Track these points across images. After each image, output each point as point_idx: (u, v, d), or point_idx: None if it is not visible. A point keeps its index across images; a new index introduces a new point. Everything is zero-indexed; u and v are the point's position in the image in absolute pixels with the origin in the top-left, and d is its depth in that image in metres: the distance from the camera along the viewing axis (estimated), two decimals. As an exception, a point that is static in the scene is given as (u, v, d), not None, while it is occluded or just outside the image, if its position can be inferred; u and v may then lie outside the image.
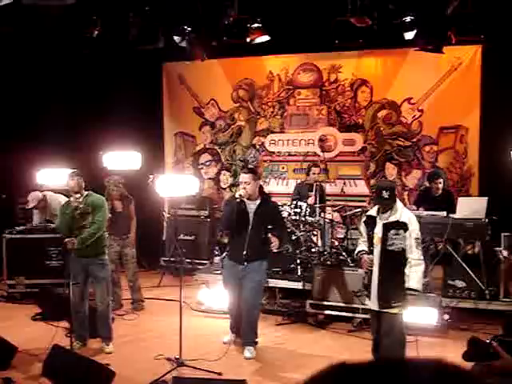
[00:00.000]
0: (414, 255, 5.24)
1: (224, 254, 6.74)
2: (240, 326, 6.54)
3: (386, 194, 5.26)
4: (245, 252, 6.17)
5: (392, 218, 5.31)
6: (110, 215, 7.55)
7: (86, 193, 6.36)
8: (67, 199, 6.45)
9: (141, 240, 9.13)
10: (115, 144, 9.12)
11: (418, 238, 5.30)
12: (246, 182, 6.16)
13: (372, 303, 5.45)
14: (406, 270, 5.25)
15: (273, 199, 8.33)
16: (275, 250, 6.41)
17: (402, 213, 5.34)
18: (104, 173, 8.50)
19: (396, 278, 5.27)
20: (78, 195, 6.23)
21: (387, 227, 5.29)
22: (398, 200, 5.44)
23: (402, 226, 5.26)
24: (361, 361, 0.65)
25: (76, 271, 6.29)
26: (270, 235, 6.27)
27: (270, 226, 6.32)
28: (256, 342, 6.44)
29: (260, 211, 6.22)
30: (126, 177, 8.30)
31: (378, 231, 5.36)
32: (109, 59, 9.98)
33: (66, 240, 6.15)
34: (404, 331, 5.47)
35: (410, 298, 5.31)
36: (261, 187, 6.53)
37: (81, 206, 6.22)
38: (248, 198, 6.21)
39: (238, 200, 6.13)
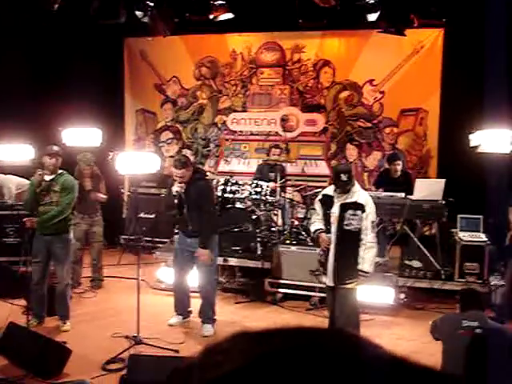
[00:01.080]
0: (369, 238, 5.36)
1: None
2: (183, 306, 6.64)
3: (344, 177, 5.33)
4: (190, 227, 6.31)
5: (349, 199, 5.38)
6: (86, 189, 7.52)
7: (60, 171, 6.26)
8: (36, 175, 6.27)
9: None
10: (75, 120, 8.96)
11: (373, 221, 5.41)
12: (181, 177, 6.16)
13: (328, 279, 5.54)
14: (361, 252, 5.36)
15: (235, 178, 8.45)
16: (201, 261, 6.32)
17: (360, 194, 5.43)
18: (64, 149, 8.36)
19: (351, 256, 5.39)
20: (46, 171, 6.12)
21: (344, 207, 5.36)
22: (355, 182, 5.53)
23: (359, 206, 5.34)
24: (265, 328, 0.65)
25: (38, 249, 6.20)
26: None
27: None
28: (214, 320, 6.47)
29: (188, 193, 6.24)
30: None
31: (335, 210, 5.43)
32: (69, 33, 9.76)
33: (26, 219, 6.06)
34: (357, 305, 5.60)
35: (362, 279, 5.46)
36: (197, 168, 6.72)
37: (43, 182, 6.11)
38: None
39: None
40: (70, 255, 6.51)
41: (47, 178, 6.17)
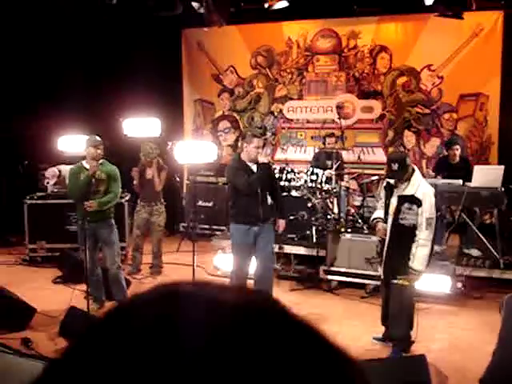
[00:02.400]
0: (422, 235, 5.08)
1: (231, 220, 6.52)
2: None
3: (395, 166, 5.12)
4: (261, 212, 6.18)
5: (407, 191, 5.16)
6: (137, 182, 7.72)
7: (102, 161, 6.45)
8: (78, 164, 6.49)
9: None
10: (135, 110, 9.18)
11: (429, 218, 5.07)
12: (262, 147, 6.23)
13: (381, 271, 5.50)
14: (413, 249, 5.11)
15: (291, 166, 8.52)
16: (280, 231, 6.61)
17: (419, 187, 5.14)
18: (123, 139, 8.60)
19: (403, 252, 5.17)
20: (95, 162, 6.32)
21: (401, 200, 5.19)
22: (417, 172, 5.24)
23: (415, 201, 5.10)
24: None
25: (86, 236, 6.39)
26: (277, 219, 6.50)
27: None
28: None
29: (262, 172, 6.18)
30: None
31: (394, 201, 5.28)
32: (128, 26, 9.98)
33: (86, 203, 6.22)
34: (411, 303, 5.39)
35: (413, 277, 5.20)
36: None
37: (98, 172, 6.31)
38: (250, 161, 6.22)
39: (250, 167, 6.18)
40: (117, 238, 6.67)
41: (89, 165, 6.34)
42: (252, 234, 6.27)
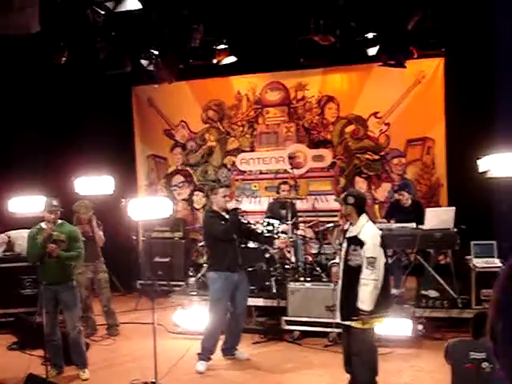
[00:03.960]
0: (363, 274, 5.09)
1: (211, 269, 6.68)
2: (214, 351, 6.66)
3: (350, 200, 5.31)
4: (240, 259, 6.48)
5: (353, 233, 5.29)
6: (83, 239, 7.57)
7: (61, 222, 6.37)
8: (37, 227, 6.39)
9: (116, 263, 9.15)
10: (87, 169, 9.12)
11: (370, 257, 5.07)
12: (229, 196, 6.59)
13: (338, 315, 5.49)
14: (358, 289, 5.12)
15: (247, 218, 8.56)
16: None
17: (363, 229, 5.24)
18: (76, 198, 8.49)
19: (352, 293, 5.17)
20: (50, 224, 6.23)
21: (349, 242, 5.31)
22: (364, 216, 5.35)
23: (359, 242, 5.18)
24: None
25: (46, 299, 6.26)
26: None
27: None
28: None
29: (233, 218, 6.46)
30: (99, 201, 8.34)
31: (344, 244, 5.41)
32: (78, 85, 10.01)
33: (49, 247, 6.09)
34: (371, 348, 5.32)
35: (363, 318, 5.15)
36: None
37: (55, 233, 6.21)
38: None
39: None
40: (78, 302, 6.55)
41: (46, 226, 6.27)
42: (232, 281, 6.45)
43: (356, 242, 5.21)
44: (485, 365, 3.95)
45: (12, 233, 8.83)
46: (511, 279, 0.99)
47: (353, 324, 5.21)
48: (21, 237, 8.75)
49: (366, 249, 5.11)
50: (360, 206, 5.37)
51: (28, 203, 8.35)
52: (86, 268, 7.80)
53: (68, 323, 6.41)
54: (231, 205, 6.46)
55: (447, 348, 4.41)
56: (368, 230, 5.24)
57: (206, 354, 6.57)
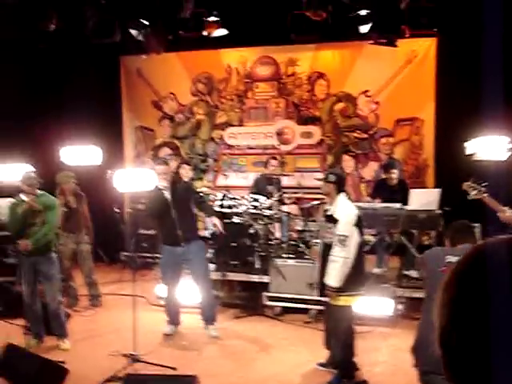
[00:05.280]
0: (333, 251, 5.16)
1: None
2: (176, 316, 6.88)
3: (331, 178, 5.35)
4: (179, 232, 6.51)
5: (330, 212, 5.35)
6: (65, 209, 7.53)
7: (41, 193, 6.33)
8: (16, 198, 6.34)
9: (101, 235, 9.12)
10: (74, 138, 9.03)
11: (341, 235, 5.12)
12: (164, 173, 6.57)
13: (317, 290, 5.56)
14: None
15: (233, 192, 8.54)
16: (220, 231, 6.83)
17: (338, 207, 5.28)
18: (60, 168, 8.43)
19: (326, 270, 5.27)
20: (31, 196, 6.19)
21: (326, 220, 5.39)
22: (342, 194, 5.36)
23: (333, 220, 5.24)
24: None
25: (26, 269, 6.25)
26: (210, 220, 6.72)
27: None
28: (215, 320, 6.79)
29: (174, 192, 6.56)
30: (85, 172, 8.29)
31: (323, 223, 5.49)
32: (66, 53, 9.86)
33: (20, 242, 6.12)
34: (348, 326, 5.37)
35: (330, 294, 5.23)
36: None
37: (34, 206, 6.18)
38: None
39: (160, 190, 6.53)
40: (58, 272, 6.53)
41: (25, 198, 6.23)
42: (175, 254, 6.58)
43: (331, 220, 5.27)
44: None
45: None
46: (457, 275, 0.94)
47: (329, 301, 5.29)
48: (2, 205, 8.67)
49: (339, 226, 5.16)
50: (340, 184, 5.40)
51: (9, 171, 8.28)
52: (68, 239, 7.77)
53: (48, 294, 6.40)
54: (162, 182, 6.51)
55: (423, 256, 4.35)
56: (343, 209, 5.28)
57: (170, 320, 6.86)
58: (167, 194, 6.53)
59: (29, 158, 7.82)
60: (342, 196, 5.36)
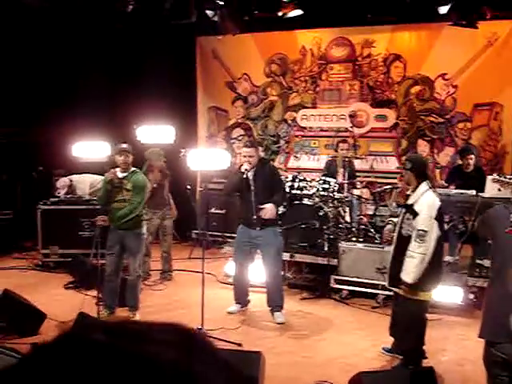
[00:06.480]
0: (411, 246, 4.95)
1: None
2: (243, 296, 6.89)
3: (408, 165, 5.18)
4: (254, 216, 6.45)
5: (410, 201, 5.13)
6: (153, 186, 7.74)
7: (133, 169, 6.51)
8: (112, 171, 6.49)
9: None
10: (149, 118, 9.22)
11: (420, 230, 4.89)
12: (250, 156, 6.45)
13: (386, 279, 5.44)
14: (405, 259, 5.01)
15: (304, 174, 8.53)
16: (265, 217, 6.44)
17: (420, 198, 5.03)
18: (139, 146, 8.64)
19: (400, 262, 5.06)
20: (114, 169, 6.37)
21: (406, 209, 5.18)
22: (425, 183, 5.11)
23: (413, 212, 5.01)
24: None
25: (112, 242, 6.46)
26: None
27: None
28: (283, 307, 6.71)
29: (257, 176, 6.48)
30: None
31: (402, 210, 5.31)
32: (143, 34, 10.04)
33: (97, 217, 6.33)
34: (420, 318, 5.22)
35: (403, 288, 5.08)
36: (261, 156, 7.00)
37: (116, 180, 6.36)
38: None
39: (242, 172, 6.43)
40: (143, 249, 6.74)
41: (120, 175, 6.40)
42: (247, 235, 6.60)
43: (411, 211, 5.05)
44: None
45: (74, 177, 9.11)
46: None
47: (401, 292, 5.16)
48: (82, 181, 9.04)
49: (418, 221, 4.93)
50: (420, 171, 5.17)
51: (91, 148, 8.56)
52: (154, 215, 7.99)
53: (130, 268, 6.61)
54: (244, 166, 6.41)
55: (485, 216, 4.07)
56: (425, 200, 5.02)
57: (237, 299, 6.90)
58: (250, 176, 6.46)
59: (107, 136, 8.06)
60: (424, 185, 5.09)
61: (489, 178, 7.56)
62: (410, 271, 4.95)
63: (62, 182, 9.07)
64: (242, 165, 6.49)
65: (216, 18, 8.66)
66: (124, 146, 6.45)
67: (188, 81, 11.25)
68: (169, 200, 8.26)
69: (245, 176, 6.39)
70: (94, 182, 8.99)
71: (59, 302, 7.14)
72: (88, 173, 9.11)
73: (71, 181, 9.11)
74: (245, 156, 6.47)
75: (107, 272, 6.47)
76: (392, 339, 5.60)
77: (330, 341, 6.13)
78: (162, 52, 10.32)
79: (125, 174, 6.41)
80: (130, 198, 6.39)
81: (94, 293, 6.88)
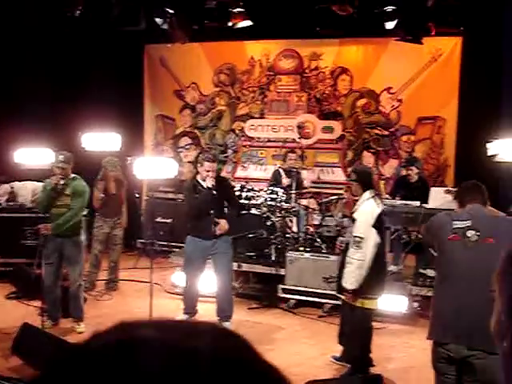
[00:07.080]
0: (349, 253, 5.03)
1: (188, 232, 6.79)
2: (192, 306, 6.82)
3: (353, 176, 5.31)
4: (213, 229, 6.40)
5: (354, 209, 5.26)
6: (102, 195, 7.62)
7: (73, 176, 6.36)
8: (50, 179, 6.35)
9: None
10: (95, 125, 9.06)
11: (356, 236, 4.93)
12: (212, 171, 6.33)
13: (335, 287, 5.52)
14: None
15: (252, 184, 8.56)
16: (220, 233, 6.45)
17: (361, 206, 5.11)
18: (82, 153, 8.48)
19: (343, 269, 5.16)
20: (55, 176, 6.23)
21: (352, 218, 5.28)
22: (368, 192, 5.17)
23: (353, 219, 5.12)
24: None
25: (50, 251, 6.28)
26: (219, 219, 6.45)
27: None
28: (231, 317, 6.69)
29: (218, 190, 6.38)
30: (103, 158, 8.34)
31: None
32: (90, 39, 9.90)
33: (40, 226, 6.18)
34: (366, 325, 5.28)
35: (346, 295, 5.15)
36: None
37: (58, 185, 6.22)
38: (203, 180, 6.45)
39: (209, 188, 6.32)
40: (82, 257, 6.57)
41: (61, 181, 6.28)
42: (204, 247, 6.49)
43: (352, 218, 5.18)
44: (470, 233, 3.62)
45: (16, 184, 8.87)
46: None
47: (347, 300, 5.22)
48: (24, 188, 8.80)
49: (355, 228, 5.01)
50: (365, 182, 5.26)
51: (34, 155, 8.35)
52: (104, 224, 7.86)
53: (70, 277, 6.45)
54: (208, 182, 6.31)
55: (428, 224, 4.08)
56: (364, 208, 5.08)
57: (187, 309, 6.79)
58: (213, 193, 6.35)
59: (51, 143, 7.88)
60: (367, 193, 5.16)
61: (432, 189, 7.80)
62: (348, 277, 5.02)
63: (3, 189, 8.80)
64: (204, 180, 6.36)
65: (165, 27, 8.62)
66: (61, 158, 6.30)
67: (135, 88, 11.15)
68: (121, 210, 8.15)
69: (214, 193, 6.30)
70: (37, 189, 8.76)
71: (1, 312, 6.91)
72: (30, 180, 8.88)
73: (12, 188, 8.86)
74: (208, 171, 6.30)
75: (46, 283, 6.28)
76: (341, 347, 5.65)
77: (278, 350, 6.13)
78: (109, 58, 10.20)
79: (64, 181, 6.29)
80: (69, 204, 6.27)
81: (38, 303, 6.68)
